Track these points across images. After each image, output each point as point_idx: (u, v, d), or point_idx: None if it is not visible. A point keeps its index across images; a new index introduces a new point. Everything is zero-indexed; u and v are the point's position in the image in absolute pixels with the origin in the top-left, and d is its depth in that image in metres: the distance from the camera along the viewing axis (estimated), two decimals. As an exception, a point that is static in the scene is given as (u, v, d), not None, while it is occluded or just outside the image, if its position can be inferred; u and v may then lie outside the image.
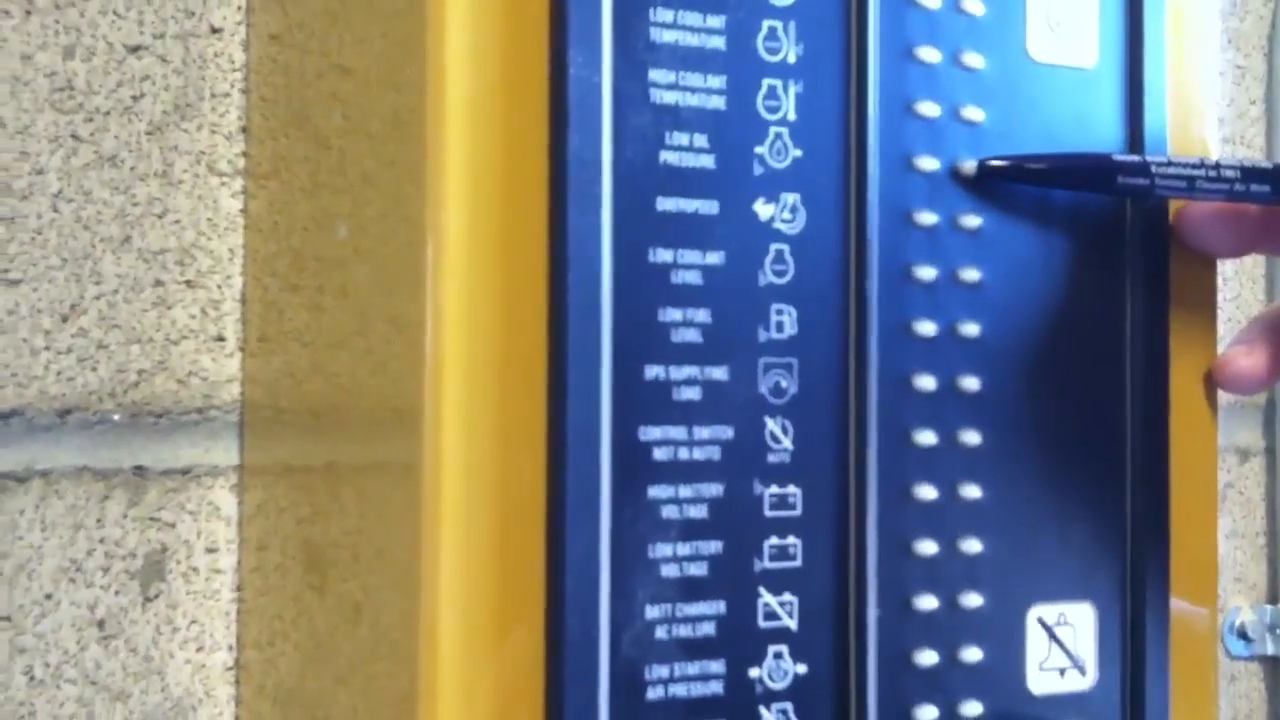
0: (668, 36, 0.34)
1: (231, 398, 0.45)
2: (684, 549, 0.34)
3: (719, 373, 0.34)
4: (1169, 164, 0.37)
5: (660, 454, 0.33)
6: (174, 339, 0.44)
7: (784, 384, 0.35)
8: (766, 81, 0.35)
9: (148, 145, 0.44)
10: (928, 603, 0.36)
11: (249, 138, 0.45)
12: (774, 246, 0.35)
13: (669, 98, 0.34)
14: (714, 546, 0.34)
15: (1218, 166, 0.37)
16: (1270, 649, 0.66)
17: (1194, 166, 0.37)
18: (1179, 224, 0.39)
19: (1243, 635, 0.65)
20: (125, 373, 0.44)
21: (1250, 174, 0.37)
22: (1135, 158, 0.37)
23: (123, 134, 0.44)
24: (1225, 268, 0.64)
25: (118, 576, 0.44)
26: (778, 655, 0.35)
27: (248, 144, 0.46)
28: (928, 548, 0.36)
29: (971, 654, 0.37)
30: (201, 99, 0.45)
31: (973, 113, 0.37)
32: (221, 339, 0.45)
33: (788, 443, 0.35)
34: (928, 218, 0.37)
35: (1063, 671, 0.38)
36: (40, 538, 0.43)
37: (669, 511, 0.33)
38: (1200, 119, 0.41)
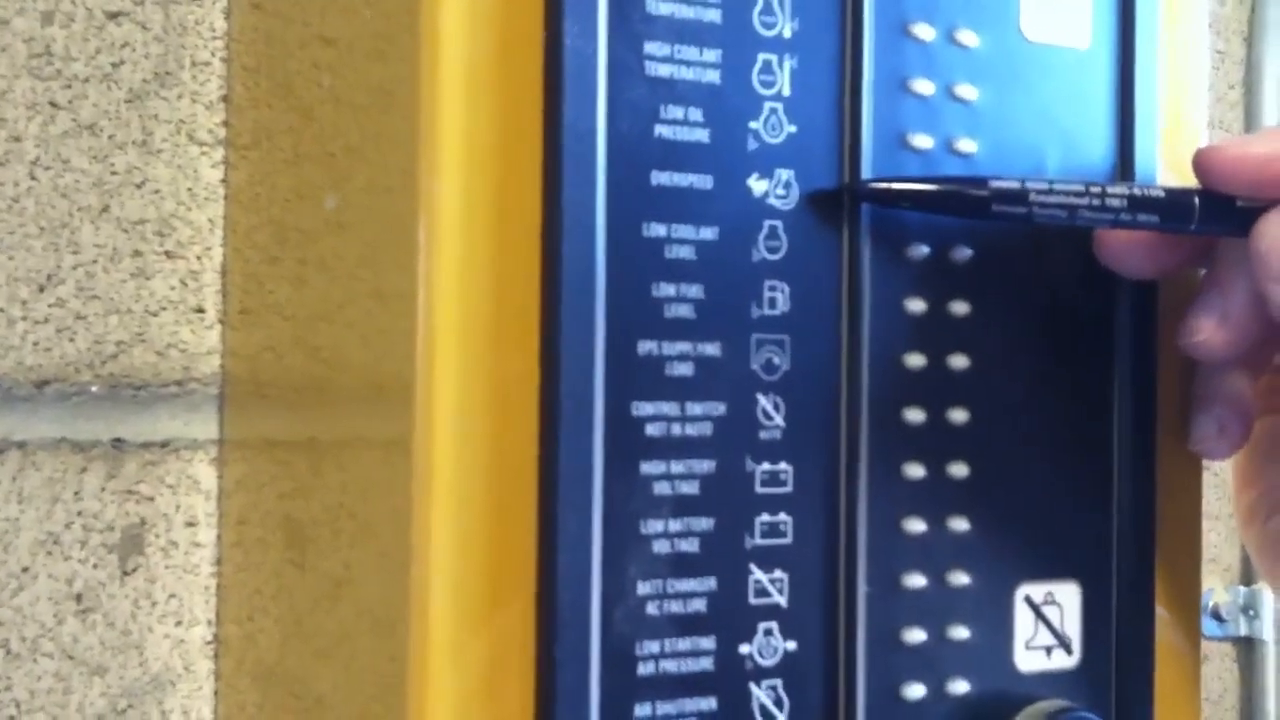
0: (664, 9, 0.33)
1: (211, 370, 0.45)
2: (676, 525, 0.34)
3: (711, 348, 0.34)
4: (1050, 190, 0.35)
5: (653, 430, 0.33)
6: (153, 310, 0.44)
7: (776, 361, 0.35)
8: (762, 56, 0.35)
9: (127, 113, 0.44)
10: (916, 581, 0.36)
11: (230, 107, 0.45)
12: (767, 222, 0.35)
13: (664, 70, 0.34)
14: (705, 523, 0.34)
15: (1103, 194, 0.36)
16: (1244, 630, 0.66)
17: (1077, 194, 0.35)
18: (1094, 243, 0.38)
19: (1216, 616, 0.66)
20: (103, 344, 0.43)
21: (1138, 203, 0.36)
22: (1013, 184, 0.35)
23: (101, 101, 0.43)
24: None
25: (95, 550, 0.43)
26: (768, 632, 0.35)
27: (228, 113, 0.45)
28: (917, 526, 0.36)
29: (959, 632, 0.37)
30: (182, 67, 0.44)
31: (966, 91, 0.37)
32: (201, 311, 0.45)
33: (779, 420, 0.35)
34: (920, 195, 0.36)
35: (1049, 650, 0.38)
36: (17, 510, 0.42)
37: (661, 488, 0.33)
38: (1191, 102, 0.41)
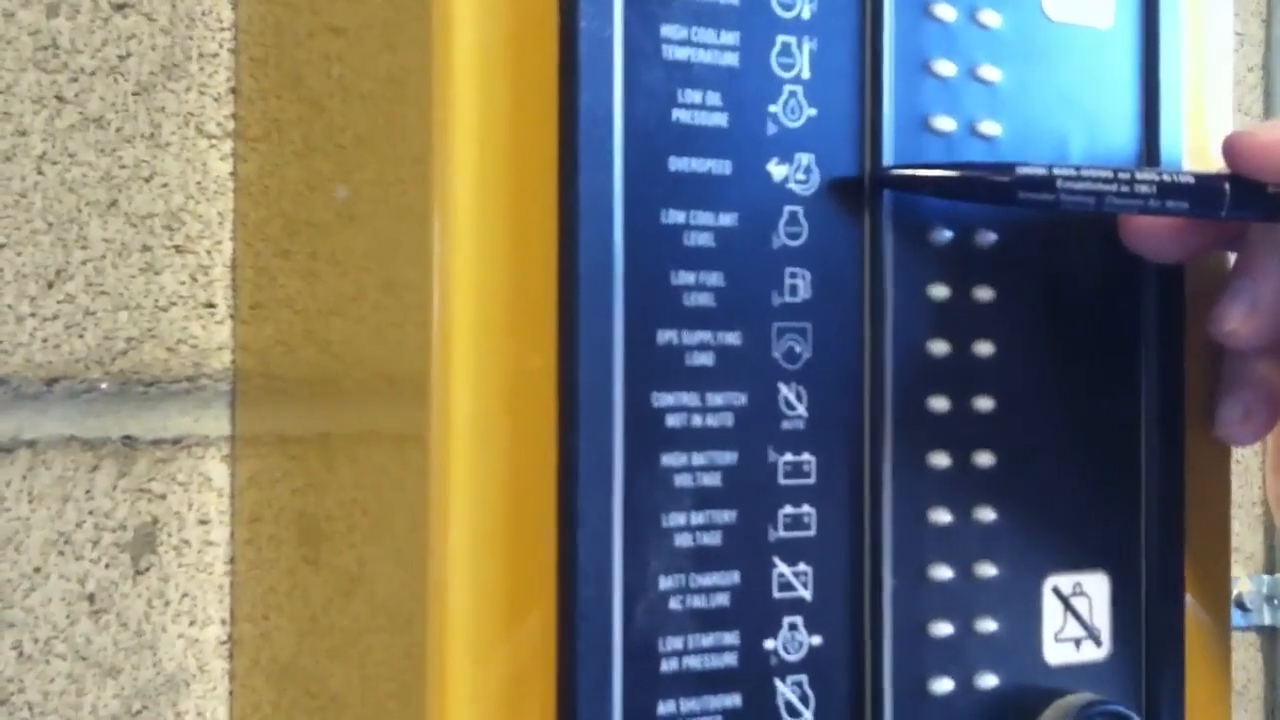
0: (680, -9, 0.33)
1: (222, 366, 0.44)
2: (698, 518, 0.33)
3: (732, 337, 0.34)
4: (1077, 177, 0.35)
5: (673, 421, 0.33)
6: (163, 305, 0.43)
7: (798, 349, 0.34)
8: (780, 38, 0.34)
9: (134, 106, 0.43)
10: (943, 573, 0.36)
11: (238, 99, 0.44)
12: (788, 208, 0.34)
13: (681, 54, 0.33)
14: (728, 515, 0.33)
15: (1132, 180, 0.35)
16: (1268, 619, 0.66)
17: (1105, 181, 0.35)
18: (1120, 228, 0.37)
19: (1240, 605, 0.65)
20: (113, 340, 0.43)
21: (1167, 189, 0.35)
22: (1040, 171, 0.35)
23: (109, 95, 0.43)
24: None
25: (108, 549, 0.43)
26: (792, 626, 0.34)
27: (237, 105, 0.44)
28: (942, 517, 0.36)
29: (987, 625, 0.36)
30: (189, 59, 0.44)
31: (989, 72, 0.37)
32: (211, 305, 0.44)
33: (802, 409, 0.34)
34: (943, 179, 0.36)
35: (1078, 642, 0.38)
36: (28, 509, 0.42)
37: (682, 480, 0.33)
38: (1215, 81, 0.40)
